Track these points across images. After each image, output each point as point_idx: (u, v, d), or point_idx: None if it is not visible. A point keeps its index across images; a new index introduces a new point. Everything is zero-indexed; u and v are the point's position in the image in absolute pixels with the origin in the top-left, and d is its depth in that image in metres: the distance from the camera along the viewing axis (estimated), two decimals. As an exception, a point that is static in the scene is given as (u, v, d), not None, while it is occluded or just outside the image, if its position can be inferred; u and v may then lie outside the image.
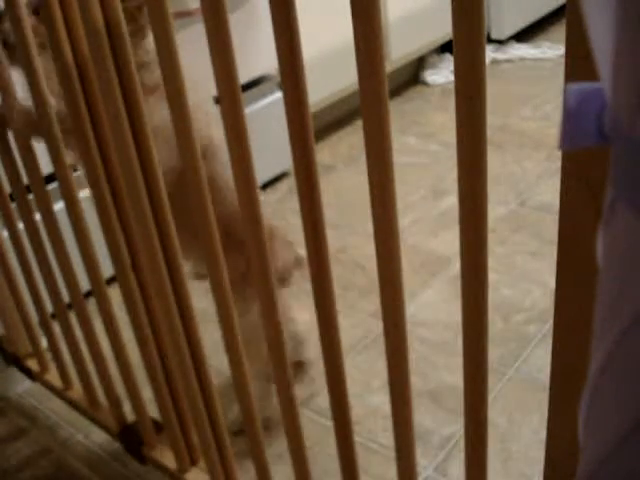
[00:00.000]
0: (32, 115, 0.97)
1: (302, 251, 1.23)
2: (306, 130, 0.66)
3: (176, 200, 0.93)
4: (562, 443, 0.63)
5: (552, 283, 0.58)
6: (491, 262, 0.62)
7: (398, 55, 2.48)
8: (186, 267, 0.99)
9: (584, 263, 0.54)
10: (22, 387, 1.52)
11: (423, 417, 1.31)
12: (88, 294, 1.23)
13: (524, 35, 2.95)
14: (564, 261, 0.56)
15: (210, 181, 0.82)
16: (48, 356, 1.37)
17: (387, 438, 1.28)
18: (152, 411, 1.17)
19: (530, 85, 2.58)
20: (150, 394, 1.09)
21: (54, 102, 0.95)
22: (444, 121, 2.41)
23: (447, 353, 1.45)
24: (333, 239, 1.51)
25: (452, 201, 1.96)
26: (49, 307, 1.24)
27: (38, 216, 1.09)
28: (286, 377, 0.86)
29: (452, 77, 0.56)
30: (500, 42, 2.86)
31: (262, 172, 1.81)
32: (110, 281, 1.24)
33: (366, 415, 1.34)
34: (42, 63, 0.92)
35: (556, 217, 0.55)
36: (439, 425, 1.29)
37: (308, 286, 0.77)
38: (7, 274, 1.31)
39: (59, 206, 1.36)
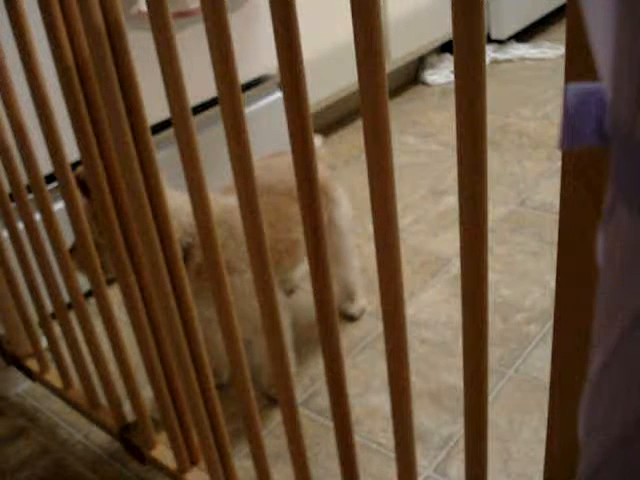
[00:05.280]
0: None
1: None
2: (306, 130, 0.66)
3: None
4: (562, 443, 0.63)
5: (552, 283, 0.58)
6: (491, 262, 0.62)
7: (398, 55, 2.49)
8: None
9: (584, 263, 0.54)
10: (22, 387, 1.52)
11: (423, 417, 1.31)
12: (88, 294, 1.23)
13: (524, 35, 2.95)
14: (564, 261, 0.56)
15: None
16: (48, 356, 1.37)
17: (387, 438, 1.28)
18: (152, 411, 1.18)
19: (530, 85, 2.58)
20: (150, 394, 1.09)
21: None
22: (444, 121, 2.41)
23: (447, 353, 1.45)
24: (333, 239, 1.51)
25: (452, 201, 1.96)
26: (49, 307, 1.24)
27: (38, 216, 1.09)
28: (286, 376, 0.86)
29: (452, 77, 0.56)
30: (500, 42, 2.86)
31: (262, 172, 1.80)
32: (110, 281, 1.24)
33: (366, 415, 1.34)
34: (199, 308, 1.07)
35: (556, 217, 0.55)
36: (439, 425, 1.29)
37: (308, 286, 0.77)
38: (7, 274, 1.31)
39: (59, 206, 1.36)
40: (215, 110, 1.81)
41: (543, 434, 0.65)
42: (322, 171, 1.38)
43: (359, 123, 2.35)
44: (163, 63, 0.72)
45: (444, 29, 2.62)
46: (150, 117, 0.84)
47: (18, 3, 0.87)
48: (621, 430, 0.32)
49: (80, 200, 1.00)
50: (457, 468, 1.20)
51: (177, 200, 1.13)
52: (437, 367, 1.42)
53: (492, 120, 2.33)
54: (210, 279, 0.85)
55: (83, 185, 1.00)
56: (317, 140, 1.48)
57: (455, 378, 1.39)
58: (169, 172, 1.01)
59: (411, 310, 1.57)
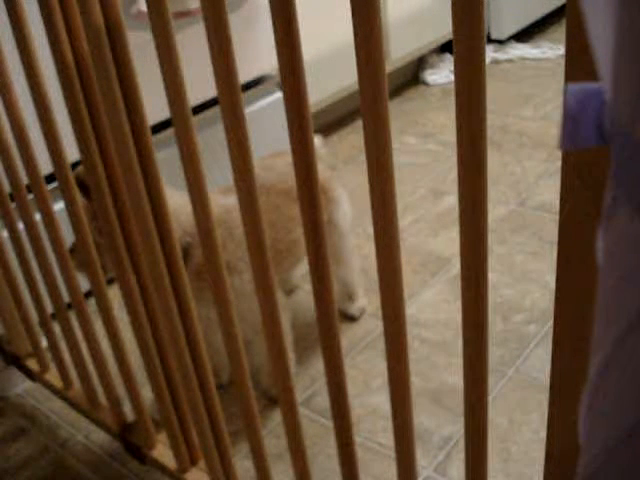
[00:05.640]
0: None
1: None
2: (306, 130, 0.66)
3: None
4: (562, 443, 0.63)
5: (552, 283, 0.58)
6: (491, 262, 0.62)
7: (398, 55, 2.48)
8: None
9: (584, 263, 0.54)
10: (22, 387, 1.52)
11: (423, 417, 1.31)
12: (88, 294, 1.23)
13: (524, 35, 2.95)
14: (564, 261, 0.56)
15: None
16: (48, 356, 1.37)
17: (387, 438, 1.28)
18: (152, 411, 1.18)
19: (530, 85, 2.58)
20: (150, 394, 1.09)
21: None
22: (444, 121, 2.41)
23: (447, 353, 1.45)
24: (333, 239, 1.51)
25: (452, 201, 1.96)
26: (49, 307, 1.24)
27: (38, 216, 1.09)
28: (286, 376, 0.86)
29: (452, 77, 0.56)
30: (500, 42, 2.86)
31: (262, 172, 1.80)
32: (110, 281, 1.24)
33: (366, 415, 1.34)
34: (199, 308, 1.07)
35: (556, 217, 0.55)
36: (439, 425, 1.29)
37: (308, 286, 0.77)
38: (7, 274, 1.31)
39: (59, 206, 1.36)
40: (215, 110, 1.81)
41: (543, 434, 0.65)
42: (322, 171, 1.38)
43: (359, 123, 2.35)
44: (163, 63, 0.72)
45: (444, 29, 2.62)
46: (150, 117, 0.84)
47: (18, 3, 0.87)
48: (621, 430, 0.32)
49: (80, 200, 1.00)
50: (457, 468, 1.20)
51: (177, 200, 1.13)
52: (437, 367, 1.42)
53: (492, 120, 2.33)
54: (210, 279, 0.85)
55: (82, 185, 1.00)
56: (317, 140, 1.48)
57: (455, 378, 1.39)
58: (169, 172, 1.01)
59: (411, 310, 1.57)
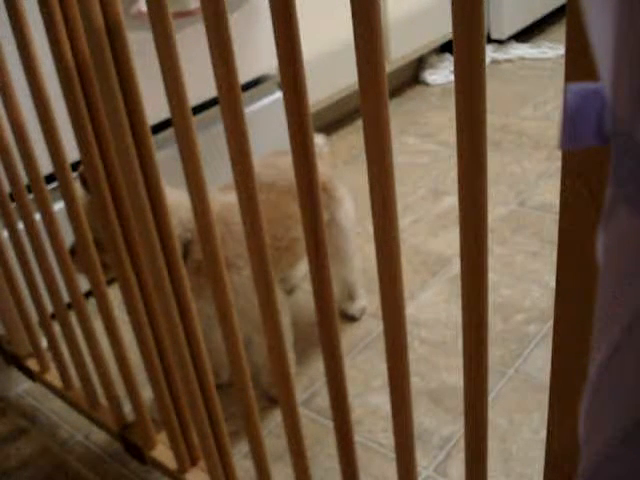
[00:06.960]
0: None
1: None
2: (306, 130, 0.66)
3: None
4: (562, 443, 0.63)
5: (552, 283, 0.58)
6: (491, 262, 0.62)
7: (398, 55, 2.49)
8: None
9: (584, 263, 0.54)
10: (22, 387, 1.52)
11: (423, 417, 1.31)
12: (88, 294, 1.23)
13: (524, 35, 2.95)
14: (564, 261, 0.56)
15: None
16: (48, 356, 1.37)
17: (387, 438, 1.28)
18: (152, 411, 1.18)
19: (530, 85, 2.58)
20: (150, 394, 1.09)
21: None
22: (444, 121, 2.41)
23: (447, 353, 1.45)
24: (333, 239, 1.51)
25: (452, 201, 1.96)
26: (49, 307, 1.24)
27: (38, 216, 1.09)
28: (286, 376, 0.86)
29: (452, 77, 0.56)
30: (500, 42, 2.86)
31: (262, 172, 1.79)
32: (110, 281, 1.24)
33: (366, 415, 1.34)
34: (200, 307, 1.08)
35: (556, 217, 0.55)
36: (439, 425, 1.29)
37: (308, 286, 0.77)
38: (7, 274, 1.31)
39: (59, 206, 1.37)
40: (215, 110, 1.81)
41: (543, 434, 0.65)
42: (325, 170, 1.38)
43: (359, 123, 2.35)
44: (163, 63, 0.72)
45: (444, 29, 2.62)
46: (150, 117, 0.84)
47: (18, 3, 0.87)
48: (621, 430, 0.32)
49: (81, 200, 1.00)
50: (457, 468, 1.20)
51: (176, 196, 1.14)
52: (437, 367, 1.42)
53: (492, 120, 2.33)
54: (209, 276, 0.85)
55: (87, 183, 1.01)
56: (321, 139, 1.48)
57: (455, 378, 1.39)
58: (169, 172, 1.01)
59: (411, 310, 1.57)
